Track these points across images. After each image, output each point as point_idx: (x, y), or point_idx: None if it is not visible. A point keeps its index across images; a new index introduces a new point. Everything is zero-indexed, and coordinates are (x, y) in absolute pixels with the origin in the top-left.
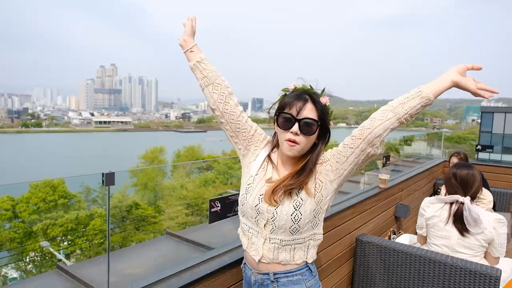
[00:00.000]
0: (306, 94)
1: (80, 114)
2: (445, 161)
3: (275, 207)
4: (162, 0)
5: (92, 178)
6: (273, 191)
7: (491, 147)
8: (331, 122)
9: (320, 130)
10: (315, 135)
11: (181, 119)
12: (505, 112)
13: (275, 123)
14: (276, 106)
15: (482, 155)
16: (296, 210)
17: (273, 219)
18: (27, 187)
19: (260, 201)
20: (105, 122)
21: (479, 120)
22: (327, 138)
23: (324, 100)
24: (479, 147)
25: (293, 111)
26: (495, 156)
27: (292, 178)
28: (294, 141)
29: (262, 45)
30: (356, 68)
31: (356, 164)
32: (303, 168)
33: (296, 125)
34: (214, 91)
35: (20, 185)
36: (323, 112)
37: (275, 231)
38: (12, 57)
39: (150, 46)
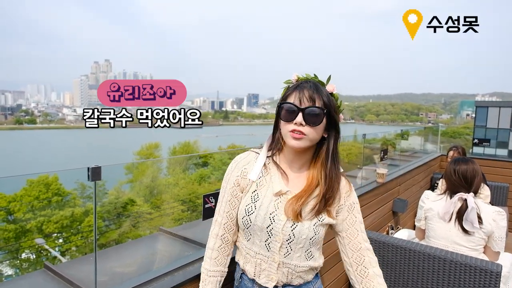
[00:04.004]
0: (309, 83)
1: (74, 111)
2: (442, 155)
3: (292, 228)
4: None
5: (85, 174)
6: (301, 203)
7: (487, 140)
8: (341, 115)
9: (328, 120)
10: (322, 125)
11: None
12: (499, 107)
13: (278, 117)
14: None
15: (477, 150)
16: (315, 234)
17: (289, 241)
18: (22, 183)
19: (273, 220)
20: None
21: (473, 115)
22: (338, 132)
23: (330, 88)
24: (476, 140)
25: (296, 101)
26: (490, 151)
27: (326, 192)
28: (300, 132)
29: (251, 39)
30: (350, 62)
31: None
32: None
33: (300, 115)
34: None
35: (13, 181)
36: (329, 100)
37: (290, 255)
38: (4, 51)
39: (145, 41)
